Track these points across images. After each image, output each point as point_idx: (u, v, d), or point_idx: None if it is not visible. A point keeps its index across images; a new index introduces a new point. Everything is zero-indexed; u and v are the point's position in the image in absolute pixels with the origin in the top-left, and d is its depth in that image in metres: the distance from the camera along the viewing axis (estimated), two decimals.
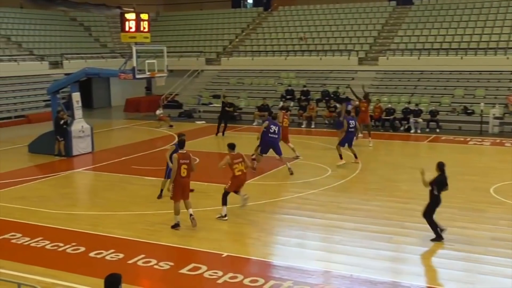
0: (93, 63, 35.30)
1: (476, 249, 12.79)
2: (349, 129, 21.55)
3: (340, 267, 11.88)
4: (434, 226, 13.46)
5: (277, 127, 20.43)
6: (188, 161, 14.23)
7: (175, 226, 14.38)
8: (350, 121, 21.67)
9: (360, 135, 25.26)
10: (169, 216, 15.34)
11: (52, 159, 23.00)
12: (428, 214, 13.49)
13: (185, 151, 14.37)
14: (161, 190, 17.05)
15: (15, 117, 33.94)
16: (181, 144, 14.52)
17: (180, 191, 14.29)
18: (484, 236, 13.62)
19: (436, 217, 13.47)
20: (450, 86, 32.91)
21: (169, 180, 15.44)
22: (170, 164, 14.96)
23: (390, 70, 35.29)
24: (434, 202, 13.51)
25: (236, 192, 15.45)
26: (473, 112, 29.73)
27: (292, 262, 12.15)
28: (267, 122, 20.64)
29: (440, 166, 13.50)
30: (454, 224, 14.51)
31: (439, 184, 13.44)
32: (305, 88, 34.21)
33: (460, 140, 26.55)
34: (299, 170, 20.85)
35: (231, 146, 15.28)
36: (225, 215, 15.04)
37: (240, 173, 15.16)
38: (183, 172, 14.13)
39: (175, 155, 14.29)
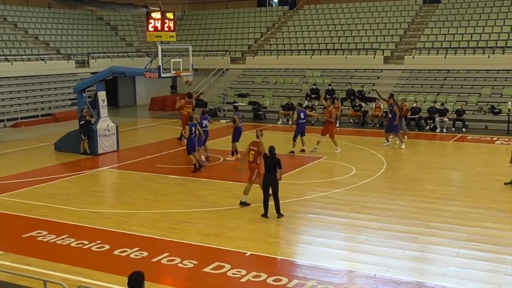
0: (119, 62, 35.52)
1: (502, 249, 12.64)
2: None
3: (364, 266, 11.82)
4: (264, 202, 15.18)
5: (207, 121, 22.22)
6: (256, 148, 16.02)
7: (243, 204, 16.09)
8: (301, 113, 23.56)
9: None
10: (193, 214, 15.45)
11: (78, 157, 23.19)
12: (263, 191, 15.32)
13: (258, 140, 16.25)
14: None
15: (42, 115, 34.30)
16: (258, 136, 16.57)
17: (252, 173, 16.11)
18: (511, 237, 13.44)
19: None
20: (477, 85, 32.59)
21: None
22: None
23: (416, 69, 35.02)
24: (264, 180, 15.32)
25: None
26: (500, 112, 29.40)
27: (316, 262, 12.11)
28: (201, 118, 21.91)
29: (269, 149, 15.23)
30: (481, 224, 14.38)
31: (265, 163, 15.27)
32: (330, 87, 34.10)
33: (486, 140, 26.27)
34: (323, 169, 20.81)
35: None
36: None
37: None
38: (250, 157, 16.13)
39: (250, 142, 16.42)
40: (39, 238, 13.72)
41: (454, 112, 29.61)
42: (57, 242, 13.43)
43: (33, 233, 14.01)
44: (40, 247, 13.16)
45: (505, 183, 18.22)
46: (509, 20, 35.88)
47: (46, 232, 14.04)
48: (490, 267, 11.78)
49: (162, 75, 22.53)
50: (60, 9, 43.79)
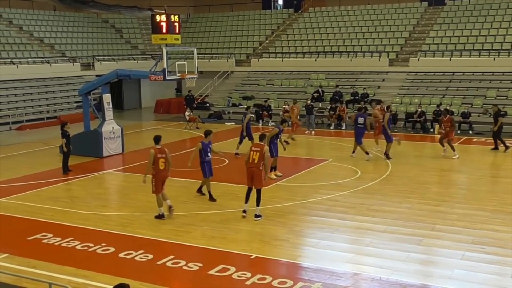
0: (124, 65, 35.55)
1: (508, 252, 12.59)
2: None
3: (370, 269, 11.79)
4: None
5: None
6: (164, 155, 15.47)
7: (160, 217, 15.40)
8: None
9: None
10: (199, 217, 15.44)
11: (83, 160, 23.18)
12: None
13: (160, 147, 15.60)
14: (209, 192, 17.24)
15: (47, 118, 34.36)
16: (156, 140, 15.76)
17: (161, 184, 15.50)
18: None
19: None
20: (482, 87, 32.53)
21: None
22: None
23: (421, 71, 35.01)
24: None
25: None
26: (505, 114, 29.27)
27: (321, 264, 12.08)
28: None
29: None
30: (486, 227, 14.33)
31: None
32: (337, 89, 34.09)
33: (492, 142, 26.11)
34: (328, 172, 20.77)
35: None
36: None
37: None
38: (161, 165, 15.41)
39: (151, 150, 15.37)
40: (45, 241, 13.73)
41: (459, 115, 29.54)
42: (62, 244, 13.43)
43: (38, 236, 14.02)
44: (45, 250, 13.16)
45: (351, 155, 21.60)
46: None
47: (52, 235, 14.05)
48: (496, 269, 11.74)
49: (167, 77, 22.50)
50: (65, 12, 43.87)
